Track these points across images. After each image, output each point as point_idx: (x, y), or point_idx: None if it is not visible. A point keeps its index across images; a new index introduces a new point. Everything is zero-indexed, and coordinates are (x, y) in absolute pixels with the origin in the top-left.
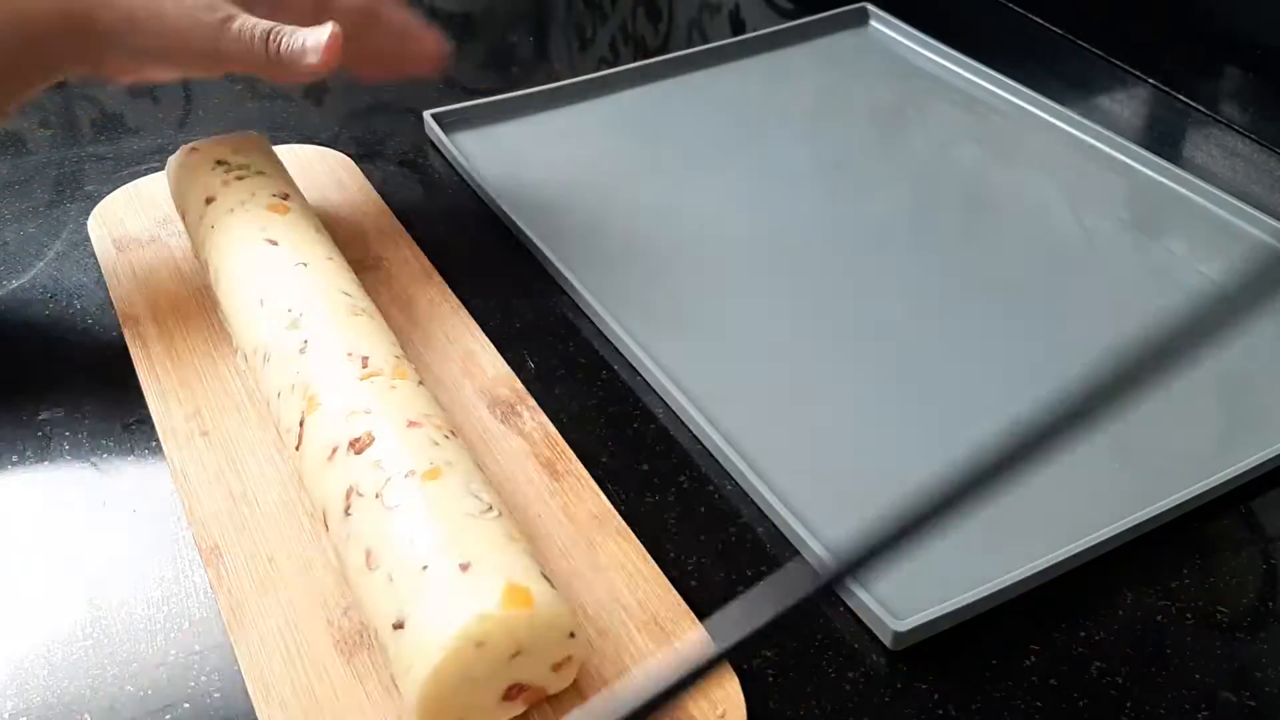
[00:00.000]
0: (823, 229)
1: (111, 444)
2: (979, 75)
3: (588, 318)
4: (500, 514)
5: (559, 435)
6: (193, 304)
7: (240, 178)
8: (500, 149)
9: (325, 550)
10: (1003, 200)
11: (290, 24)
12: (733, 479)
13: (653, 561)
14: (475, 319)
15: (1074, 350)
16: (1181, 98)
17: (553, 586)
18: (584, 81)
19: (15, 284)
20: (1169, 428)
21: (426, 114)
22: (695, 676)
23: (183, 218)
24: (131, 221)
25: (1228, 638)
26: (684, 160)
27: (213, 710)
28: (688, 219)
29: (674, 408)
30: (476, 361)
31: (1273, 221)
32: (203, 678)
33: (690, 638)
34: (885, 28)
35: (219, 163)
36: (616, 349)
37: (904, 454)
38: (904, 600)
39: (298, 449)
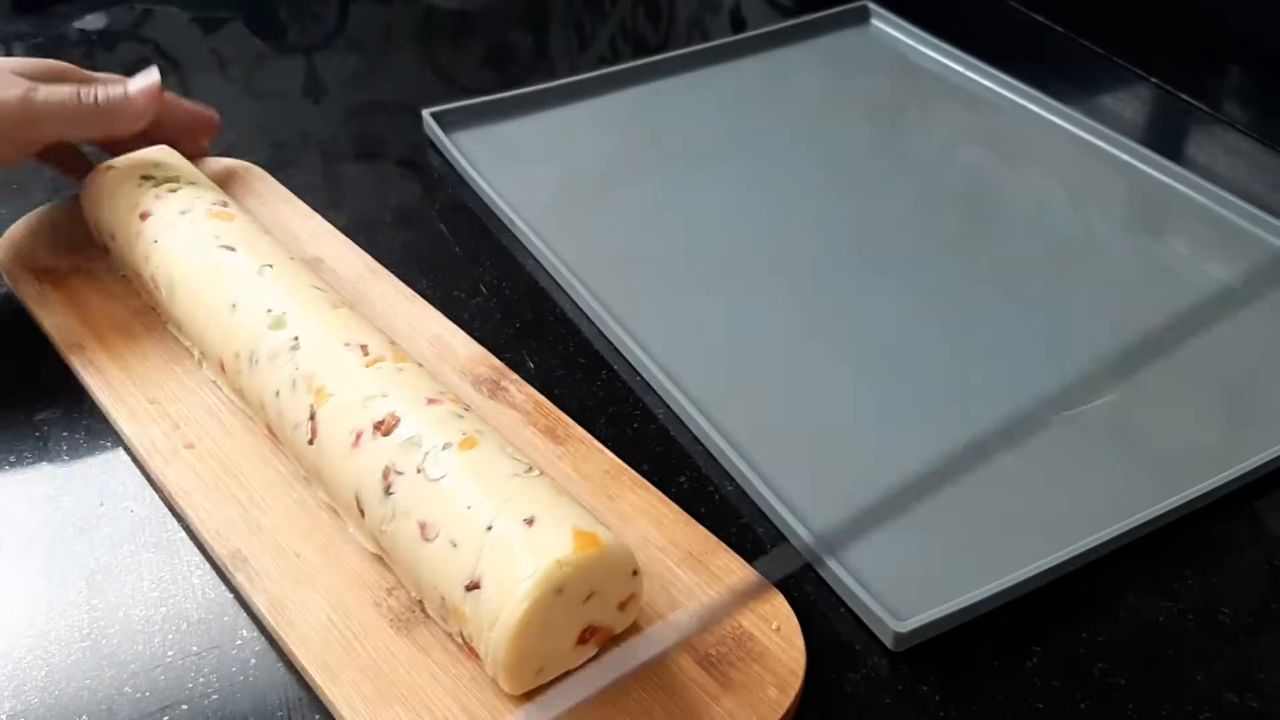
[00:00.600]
0: (823, 228)
1: (108, 444)
2: (981, 74)
3: (588, 318)
4: (540, 472)
5: (550, 403)
6: (137, 325)
7: (173, 190)
8: (500, 148)
9: (355, 537)
10: (1004, 199)
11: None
12: (733, 479)
13: (674, 504)
14: (475, 318)
15: (1075, 349)
16: (1184, 97)
17: (610, 529)
18: (584, 81)
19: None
20: (1172, 428)
21: (426, 113)
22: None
23: (110, 237)
24: (45, 252)
25: (1231, 639)
26: (684, 160)
27: (210, 712)
28: (688, 219)
29: (674, 408)
30: (447, 344)
31: (1275, 220)
32: (200, 679)
33: (728, 565)
34: (887, 26)
35: (145, 178)
36: (616, 349)
37: (905, 453)
38: (905, 601)
39: (311, 442)
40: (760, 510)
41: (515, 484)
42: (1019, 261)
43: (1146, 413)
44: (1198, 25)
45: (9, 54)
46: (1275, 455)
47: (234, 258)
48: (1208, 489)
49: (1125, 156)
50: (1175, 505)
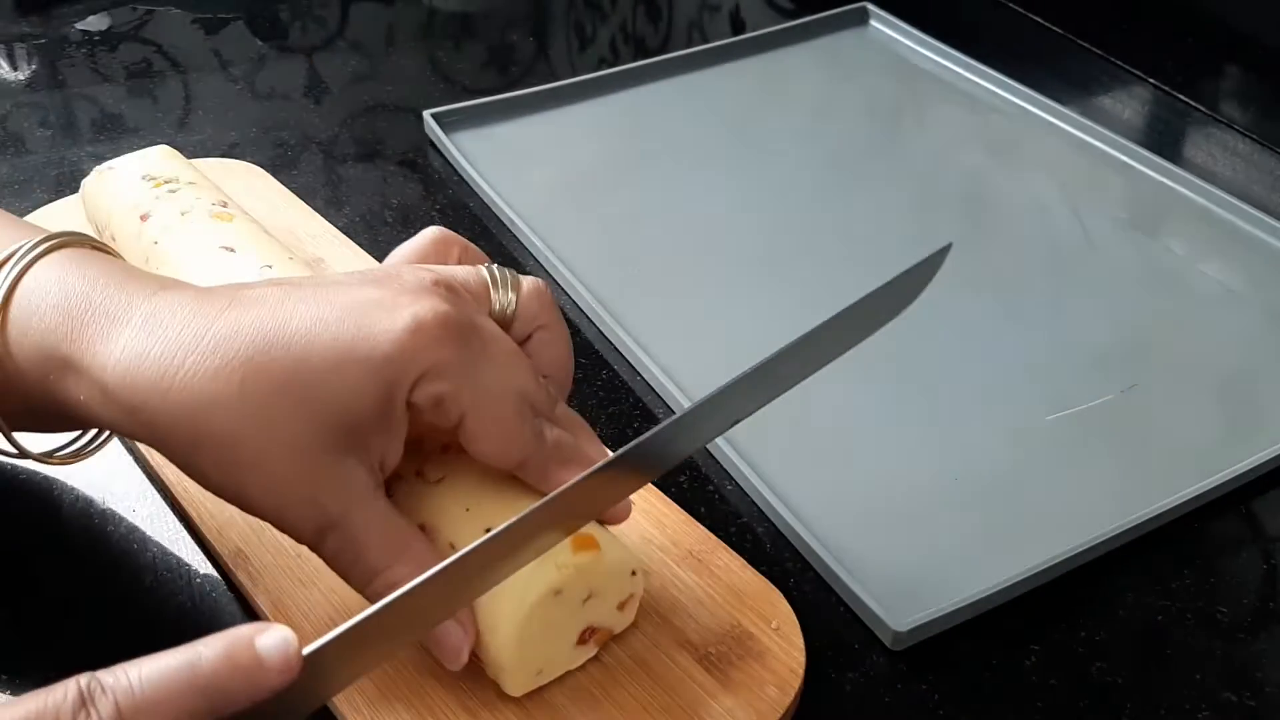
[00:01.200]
0: (822, 228)
1: (109, 443)
2: (979, 75)
3: (588, 318)
4: None
5: None
6: None
7: (172, 190)
8: (500, 149)
9: None
10: (1003, 200)
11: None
12: (733, 479)
13: (674, 504)
14: None
15: (1073, 349)
16: (1181, 97)
17: (609, 530)
18: (584, 81)
19: None
20: (1170, 427)
21: (426, 114)
22: None
23: (111, 239)
24: None
25: (1228, 638)
26: (684, 160)
27: None
28: (687, 219)
29: (674, 407)
30: None
31: (1273, 221)
32: None
33: (728, 565)
34: (885, 27)
35: (144, 178)
36: (616, 349)
37: (904, 453)
38: (904, 600)
39: None
40: (760, 510)
41: (513, 485)
42: (1018, 262)
43: (1145, 413)
44: (1196, 26)
45: (10, 54)
46: (1273, 455)
47: (234, 259)
48: (1206, 488)
49: (1124, 157)
50: (1173, 505)
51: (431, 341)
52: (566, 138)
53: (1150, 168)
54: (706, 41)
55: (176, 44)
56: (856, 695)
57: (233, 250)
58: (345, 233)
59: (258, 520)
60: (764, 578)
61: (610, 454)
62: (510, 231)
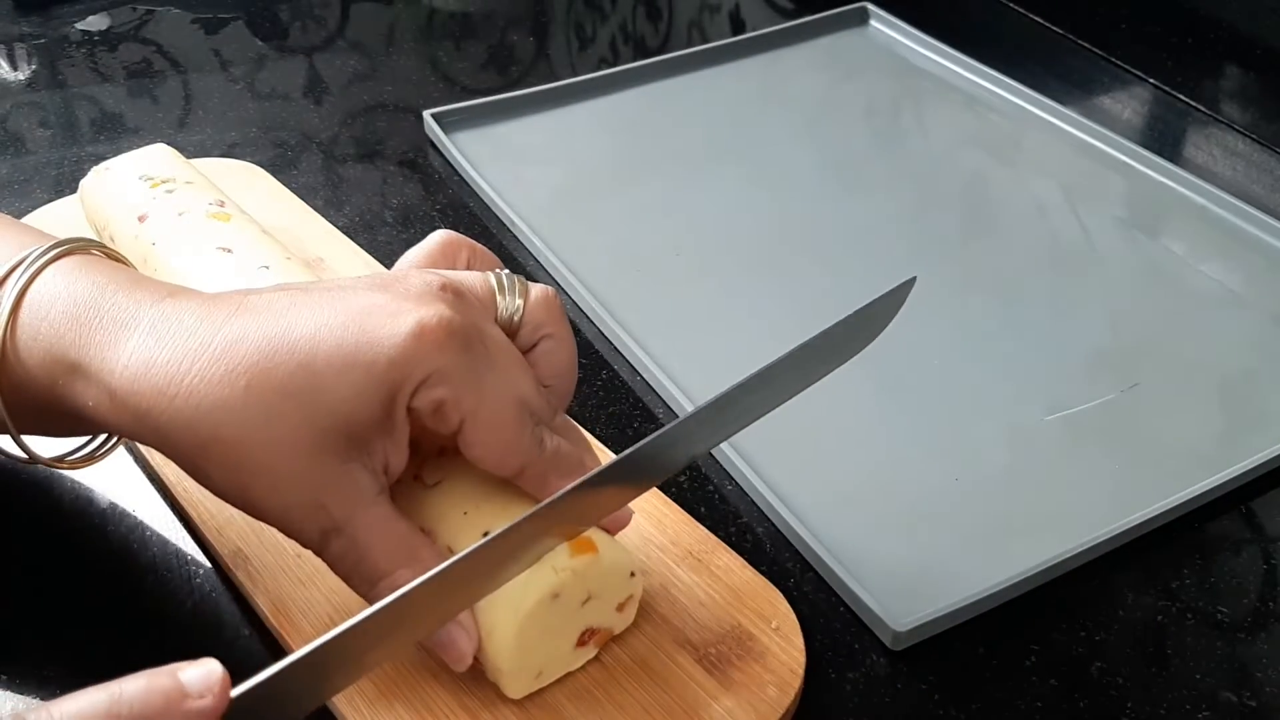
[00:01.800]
0: (822, 229)
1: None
2: (979, 75)
3: (588, 318)
4: None
5: None
6: None
7: (169, 191)
8: (500, 149)
9: None
10: (1002, 200)
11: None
12: (733, 479)
13: (674, 504)
14: None
15: (1074, 349)
16: (1181, 97)
17: (607, 531)
18: (584, 81)
19: None
20: (1170, 427)
21: (426, 114)
22: None
23: (110, 239)
24: None
25: (1228, 638)
26: (684, 160)
27: None
28: (688, 219)
29: (674, 408)
30: None
31: (1273, 221)
32: None
33: (728, 565)
34: (885, 27)
35: (142, 178)
36: (616, 349)
37: (904, 453)
38: (904, 600)
39: None
40: (760, 510)
41: (510, 488)
42: (1017, 262)
43: (1144, 413)
44: (1196, 26)
45: (10, 54)
46: (1273, 455)
47: (230, 259)
48: (1205, 488)
49: (1123, 157)
50: (1173, 504)
51: (434, 347)
52: (566, 138)
53: (1150, 168)
54: (706, 41)
55: (176, 44)
56: (856, 695)
57: (230, 251)
58: (345, 233)
59: (258, 521)
60: (764, 578)
61: (603, 464)
62: (510, 231)
